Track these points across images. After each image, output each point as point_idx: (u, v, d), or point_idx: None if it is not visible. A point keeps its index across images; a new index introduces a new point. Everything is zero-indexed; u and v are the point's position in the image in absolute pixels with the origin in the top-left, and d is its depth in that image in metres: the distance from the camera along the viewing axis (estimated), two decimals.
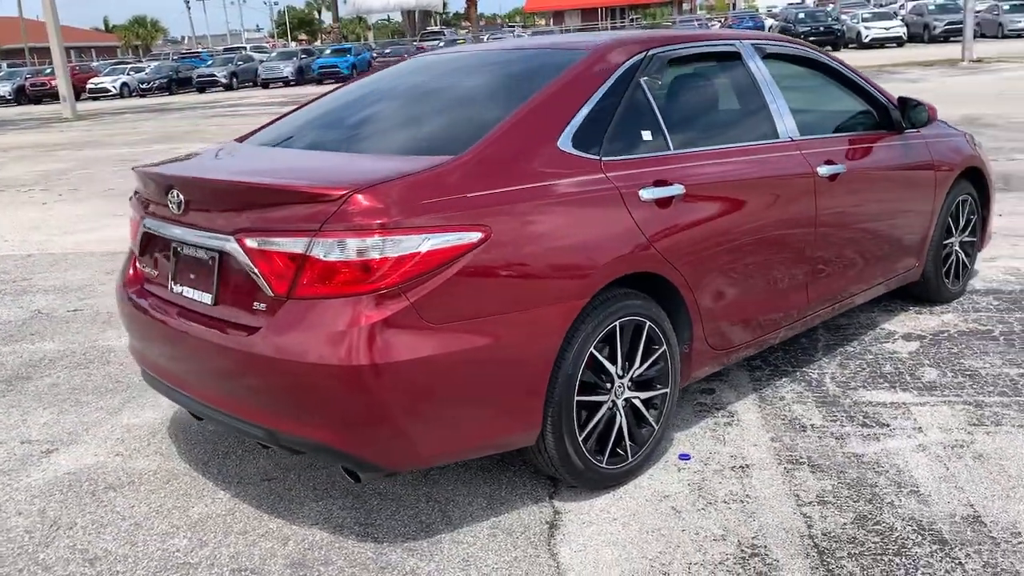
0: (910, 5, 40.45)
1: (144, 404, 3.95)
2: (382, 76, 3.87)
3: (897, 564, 2.52)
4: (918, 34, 36.47)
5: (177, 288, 2.93)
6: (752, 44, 3.71)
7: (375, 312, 2.40)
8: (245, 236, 2.57)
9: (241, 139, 3.63)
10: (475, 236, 2.49)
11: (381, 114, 3.49)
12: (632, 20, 51.81)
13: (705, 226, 3.12)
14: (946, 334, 4.33)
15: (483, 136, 2.74)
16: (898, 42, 35.20)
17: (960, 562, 2.50)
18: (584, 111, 2.94)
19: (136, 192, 3.22)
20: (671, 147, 3.15)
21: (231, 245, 2.61)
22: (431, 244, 2.42)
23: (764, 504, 2.87)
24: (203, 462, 3.38)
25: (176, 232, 2.89)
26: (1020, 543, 2.58)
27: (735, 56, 3.64)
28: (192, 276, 2.86)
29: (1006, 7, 35.38)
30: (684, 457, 3.22)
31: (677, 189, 3.03)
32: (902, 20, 36.60)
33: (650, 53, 3.27)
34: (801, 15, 38.26)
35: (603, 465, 2.91)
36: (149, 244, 3.10)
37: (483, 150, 2.68)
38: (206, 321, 2.76)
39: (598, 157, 2.90)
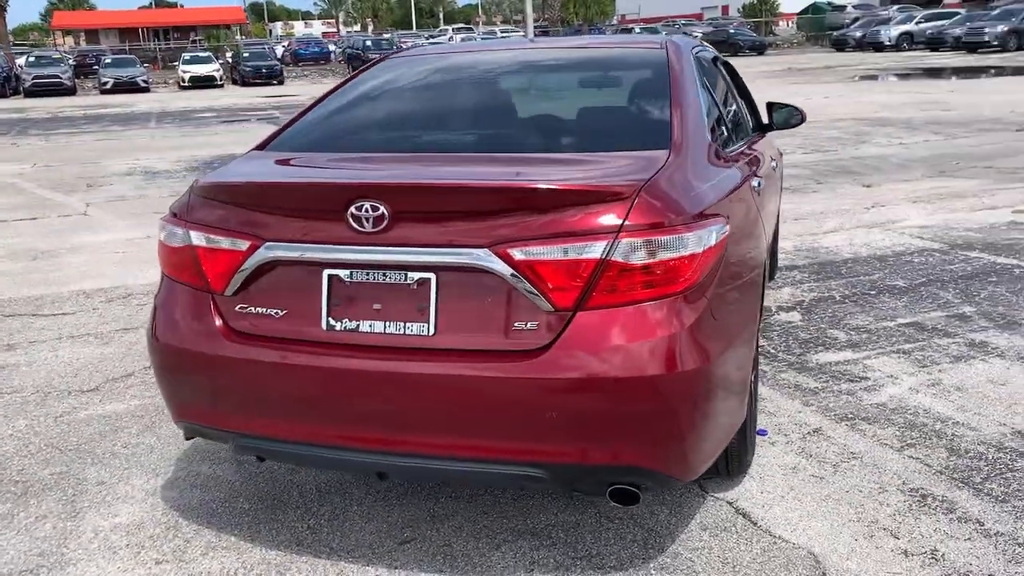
0: (459, 37, 44.50)
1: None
2: (426, 74, 3.55)
3: (1021, 473, 3.02)
4: None
5: (345, 324, 2.39)
6: None
7: (688, 313, 2.26)
8: (510, 247, 2.22)
9: (262, 146, 3.02)
10: (727, 226, 2.46)
11: (497, 112, 3.21)
12: (195, 42, 49.42)
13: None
14: (805, 303, 5.10)
15: (673, 130, 2.68)
16: None
17: None
18: (704, 106, 3.02)
19: (217, 215, 2.53)
20: (736, 140, 3.38)
21: (486, 260, 2.23)
22: (714, 237, 2.35)
23: (873, 456, 3.21)
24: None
25: (348, 255, 2.36)
26: None
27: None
28: (380, 306, 2.36)
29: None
30: (762, 433, 3.43)
31: (758, 181, 3.26)
32: None
33: (695, 53, 3.45)
34: (368, 42, 39.97)
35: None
36: (268, 275, 2.47)
37: (685, 143, 2.63)
38: (423, 356, 2.31)
39: (722, 148, 3.03)
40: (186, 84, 34.61)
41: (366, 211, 2.30)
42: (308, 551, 2.73)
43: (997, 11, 35.41)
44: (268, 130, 17.11)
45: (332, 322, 2.41)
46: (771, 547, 2.66)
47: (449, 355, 2.30)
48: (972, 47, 33.46)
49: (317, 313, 2.42)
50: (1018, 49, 32.52)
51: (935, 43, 36.24)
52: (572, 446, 2.26)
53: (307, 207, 2.43)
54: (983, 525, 2.74)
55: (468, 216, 2.28)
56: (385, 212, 2.29)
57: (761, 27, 51.36)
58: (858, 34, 40.02)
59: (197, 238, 2.56)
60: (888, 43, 38.00)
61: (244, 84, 35.12)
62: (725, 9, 63.84)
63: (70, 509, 3.05)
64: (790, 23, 53.49)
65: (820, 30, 46.92)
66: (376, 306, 2.37)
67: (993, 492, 2.93)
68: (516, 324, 2.26)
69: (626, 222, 2.21)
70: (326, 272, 2.40)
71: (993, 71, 24.98)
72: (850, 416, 3.56)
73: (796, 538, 2.70)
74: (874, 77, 25.30)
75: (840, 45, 40.97)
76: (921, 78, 24.19)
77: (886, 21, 40.10)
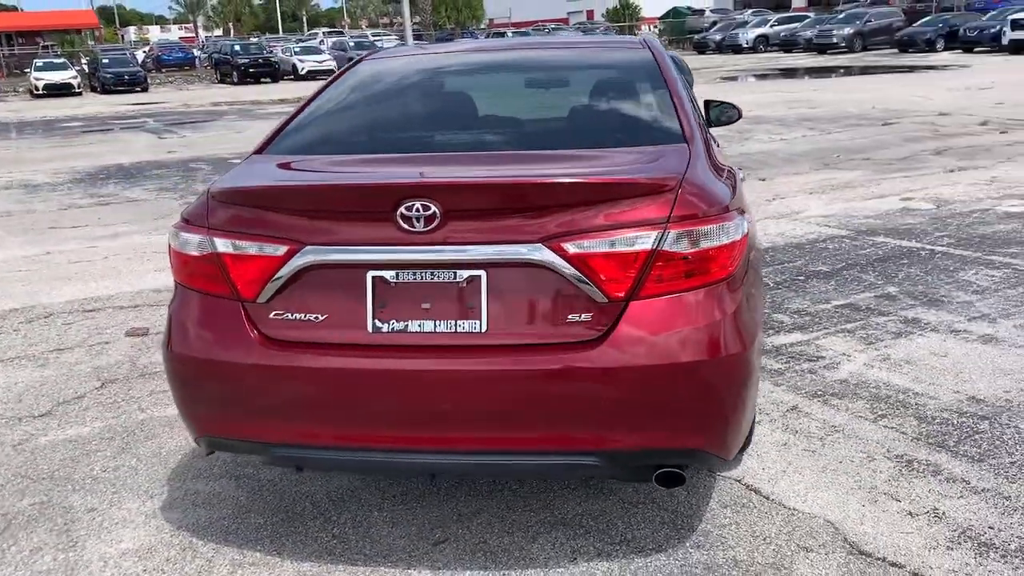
0: (330, 41, 43.76)
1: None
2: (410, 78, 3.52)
3: (987, 434, 3.30)
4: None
5: (392, 325, 2.37)
6: None
7: (729, 300, 2.37)
8: (564, 241, 2.27)
9: (260, 150, 2.94)
10: (748, 216, 2.59)
11: (507, 110, 3.23)
12: (46, 47, 46.50)
13: None
14: None
15: (682, 125, 2.78)
16: (329, 74, 37.90)
17: (1012, 425, 3.39)
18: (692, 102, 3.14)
19: (247, 219, 2.45)
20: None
21: (541, 255, 2.27)
22: (745, 226, 2.46)
23: (853, 429, 3.43)
24: None
25: (395, 256, 2.34)
26: (1008, 403, 3.57)
27: None
28: (428, 306, 2.36)
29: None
30: None
31: (742, 173, 3.42)
32: (329, 54, 39.45)
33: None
34: (237, 47, 38.68)
35: None
36: (306, 280, 2.41)
37: (695, 137, 2.73)
38: (476, 352, 2.32)
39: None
40: (40, 92, 32.60)
41: (417, 211, 2.30)
42: (342, 559, 2.69)
43: (843, 15, 37.81)
44: (146, 139, 16.52)
45: (379, 324, 2.38)
46: (791, 518, 2.81)
47: (503, 350, 2.32)
48: (822, 48, 35.62)
49: (362, 316, 2.39)
50: (863, 50, 34.87)
51: (788, 45, 38.38)
52: (627, 432, 2.33)
53: (353, 209, 2.40)
54: (969, 483, 2.98)
55: (520, 212, 2.31)
56: (436, 211, 2.29)
57: (625, 31, 52.91)
58: (718, 37, 41.85)
59: (223, 245, 2.48)
60: (746, 45, 39.91)
61: (105, 92, 33.36)
62: (590, 14, 65.46)
63: (67, 539, 2.88)
64: (652, 27, 55.34)
65: (681, 34, 48.76)
66: (425, 305, 2.36)
67: (969, 453, 3.18)
68: (569, 316, 2.31)
69: (673, 213, 2.30)
70: (370, 274, 2.38)
71: (842, 70, 26.70)
72: (820, 393, 3.78)
73: (810, 508, 2.86)
74: (734, 78, 26.53)
75: (701, 48, 42.72)
76: (781, 78, 25.57)
77: (743, 24, 42.13)
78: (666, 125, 2.83)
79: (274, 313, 2.46)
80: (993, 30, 30.39)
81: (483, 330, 2.34)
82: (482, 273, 2.33)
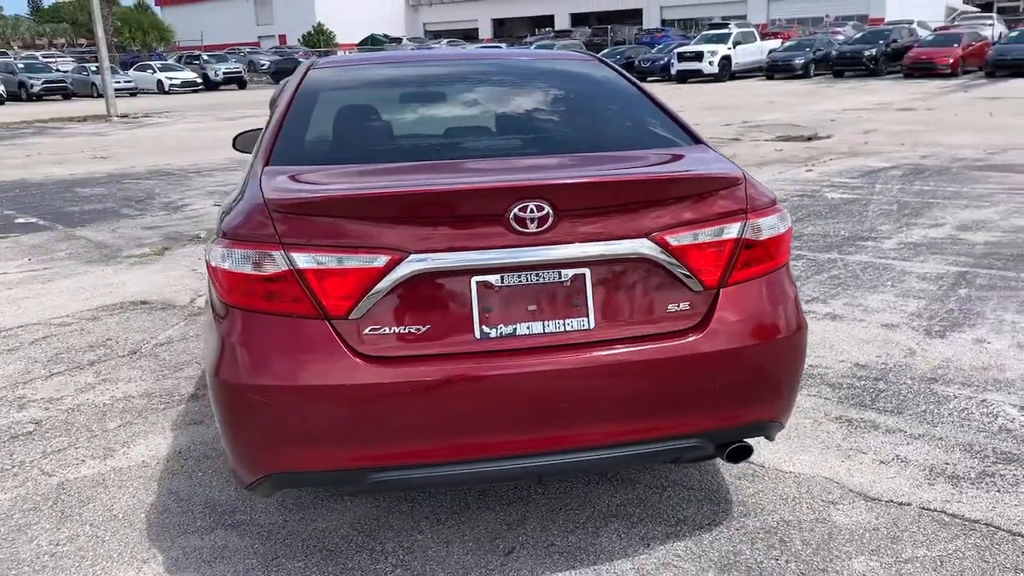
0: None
1: None
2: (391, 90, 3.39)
3: (889, 391, 3.87)
4: (15, 92, 35.59)
5: (500, 329, 2.33)
6: None
7: (788, 282, 2.63)
8: (666, 234, 2.38)
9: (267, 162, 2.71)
10: None
11: (521, 116, 3.19)
12: None
13: None
14: None
15: (679, 128, 3.00)
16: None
17: (901, 382, 4.00)
18: None
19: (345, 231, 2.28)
20: None
21: (646, 249, 2.36)
22: (789, 217, 2.72)
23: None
24: None
25: (502, 259, 2.30)
26: (885, 365, 4.21)
27: None
28: (535, 307, 2.34)
29: (93, 68, 37.06)
30: None
31: None
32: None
33: None
34: None
35: None
36: (404, 291, 2.29)
37: (701, 138, 2.96)
38: (586, 350, 2.36)
39: None
40: None
41: (531, 211, 2.29)
42: None
43: (533, 47, 40.63)
44: None
45: (486, 329, 2.33)
46: (798, 481, 3.12)
47: (611, 345, 2.38)
48: None
49: (467, 323, 2.33)
50: None
51: None
52: (725, 412, 2.48)
53: (463, 213, 2.32)
54: (905, 431, 3.49)
55: (626, 209, 2.39)
56: (549, 212, 2.30)
57: (320, 57, 52.49)
58: None
59: (304, 260, 2.28)
60: None
61: None
62: (282, 38, 64.15)
63: None
64: (348, 53, 55.47)
65: None
66: (531, 307, 2.35)
67: (888, 408, 3.72)
68: (670, 307, 2.43)
69: (748, 205, 2.51)
70: (474, 279, 2.32)
71: None
72: None
73: (804, 470, 3.19)
74: None
75: None
76: None
77: None
78: (675, 129, 3.03)
79: (369, 328, 2.30)
80: (663, 62, 34.38)
81: (591, 327, 2.38)
82: (586, 271, 2.37)
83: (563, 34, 46.42)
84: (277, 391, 2.29)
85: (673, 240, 2.40)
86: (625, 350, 2.38)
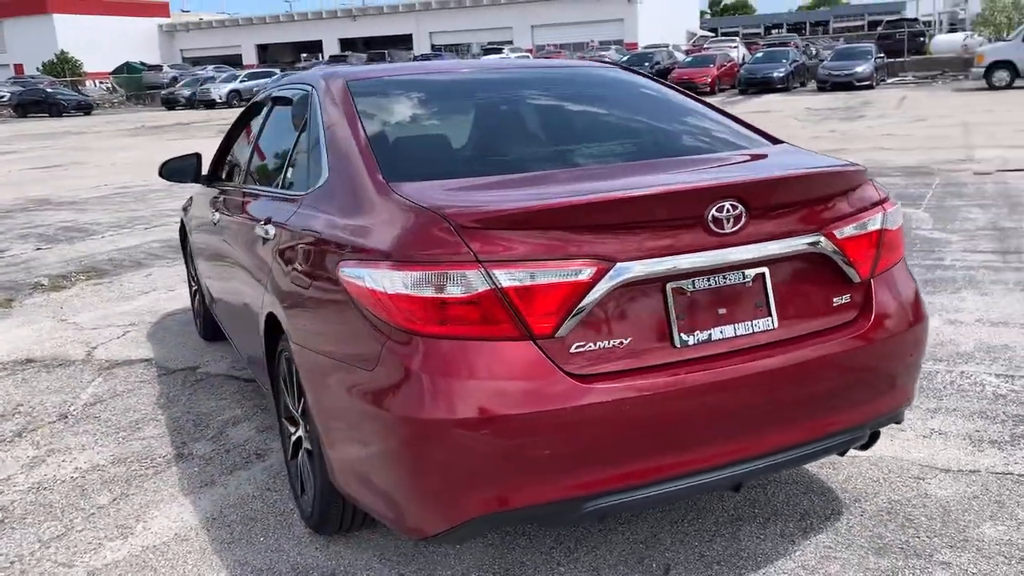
0: None
1: None
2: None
3: None
4: None
5: (697, 336, 2.24)
6: None
7: (908, 270, 2.73)
8: (834, 228, 2.41)
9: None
10: None
11: (599, 123, 3.07)
12: None
13: None
14: None
15: (752, 130, 3.06)
16: None
17: None
18: None
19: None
20: None
21: (820, 244, 2.38)
22: None
23: None
24: None
25: (697, 262, 2.22)
26: None
27: None
28: (724, 310, 2.28)
29: None
30: None
31: None
32: None
33: None
34: None
35: None
36: (609, 300, 2.14)
37: (780, 139, 3.03)
38: (773, 350, 2.32)
39: None
40: None
41: (727, 211, 2.23)
42: None
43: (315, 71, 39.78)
44: None
45: (684, 337, 2.23)
46: (873, 463, 3.23)
47: (793, 343, 2.36)
48: None
49: (664, 331, 2.22)
50: None
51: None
52: (887, 399, 2.54)
53: (665, 217, 2.20)
54: (922, 407, 3.75)
55: (802, 204, 2.38)
56: (742, 211, 2.25)
57: (69, 87, 48.40)
58: (187, 92, 40.76)
59: (506, 278, 2.07)
60: (220, 100, 39.58)
61: None
62: (19, 68, 58.33)
63: None
64: (100, 82, 51.49)
65: (140, 89, 46.34)
66: (721, 311, 2.29)
67: None
68: (835, 300, 2.45)
69: (880, 196, 2.59)
70: (669, 285, 2.22)
71: None
72: None
73: (868, 453, 3.28)
74: None
75: (171, 103, 41.15)
76: None
77: (212, 79, 41.67)
78: (751, 129, 3.07)
79: (575, 346, 2.14)
80: None
81: (774, 326, 2.35)
82: (765, 270, 2.35)
83: (338, 59, 45.80)
84: (488, 423, 2.06)
85: (839, 233, 2.43)
86: (807, 347, 2.37)
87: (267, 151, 3.77)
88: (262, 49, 64.33)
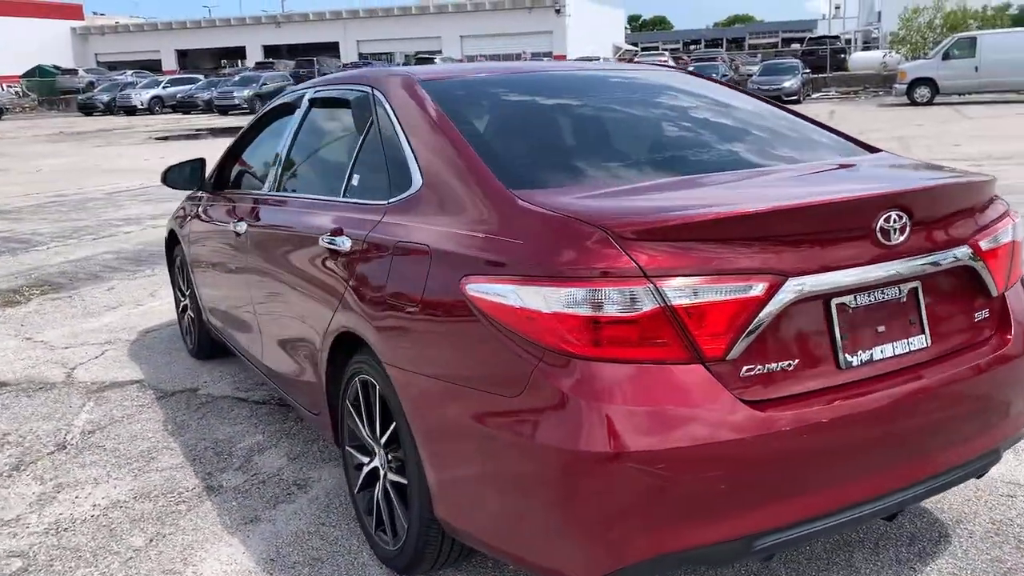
0: None
1: None
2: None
3: None
4: None
5: (859, 356, 2.09)
6: None
7: None
8: (979, 240, 2.29)
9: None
10: None
11: (684, 133, 2.83)
12: None
13: None
14: None
15: (846, 138, 2.94)
16: None
17: None
18: None
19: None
20: None
21: (968, 257, 2.26)
22: None
23: None
24: None
25: (862, 276, 2.06)
26: None
27: None
28: (883, 328, 2.13)
29: None
30: None
31: None
32: None
33: None
34: None
35: None
36: (786, 318, 1.97)
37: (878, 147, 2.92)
38: (927, 369, 2.19)
39: None
40: None
41: (893, 222, 2.08)
42: None
43: (238, 78, 38.82)
44: None
45: (848, 358, 2.08)
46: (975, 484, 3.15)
47: (944, 362, 2.23)
48: (224, 109, 36.04)
49: (828, 352, 2.06)
50: None
51: (187, 106, 37.87)
52: (1018, 416, 2.43)
53: (835, 228, 2.03)
54: None
55: (954, 216, 2.26)
56: (906, 221, 2.11)
57: None
58: (106, 98, 39.24)
59: (676, 295, 1.88)
60: (141, 106, 38.29)
61: None
62: None
63: None
64: (10, 86, 49.10)
65: (53, 93, 44.41)
66: (880, 328, 2.14)
67: None
68: (976, 315, 2.33)
69: (1007, 209, 2.49)
70: (833, 301, 2.06)
71: None
72: None
73: None
74: (165, 138, 25.37)
75: (88, 109, 39.56)
76: (226, 136, 25.24)
77: (132, 85, 40.22)
78: (845, 137, 2.95)
79: (745, 369, 1.95)
80: None
81: (927, 344, 2.22)
82: (918, 284, 2.21)
83: (264, 65, 44.79)
84: (662, 456, 1.85)
85: (983, 245, 2.32)
86: (956, 365, 2.24)
87: (311, 157, 3.49)
88: (182, 55, 62.47)
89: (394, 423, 2.48)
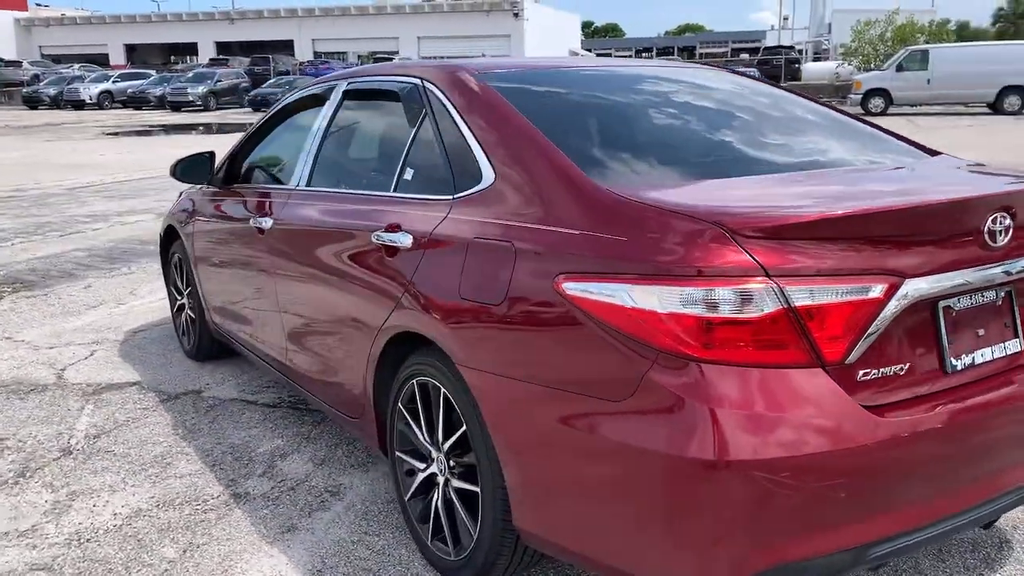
0: None
1: None
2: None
3: None
4: None
5: (963, 360, 2.05)
6: None
7: None
8: None
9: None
10: None
11: (775, 135, 2.79)
12: None
13: None
14: None
15: (898, 138, 2.92)
16: None
17: None
18: None
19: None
20: None
21: None
22: None
23: None
24: None
25: (968, 278, 2.02)
26: None
27: None
28: (983, 331, 2.10)
29: None
30: None
31: None
32: None
33: None
34: None
35: None
36: (900, 321, 1.91)
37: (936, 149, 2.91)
38: (1017, 373, 2.15)
39: None
40: None
41: (999, 223, 2.05)
42: None
43: (192, 74, 38.05)
44: None
45: (954, 362, 2.03)
46: None
47: None
48: (177, 106, 35.30)
49: (936, 355, 2.01)
50: (218, 108, 35.63)
51: (138, 102, 36.99)
52: None
53: (947, 229, 1.99)
54: None
55: None
56: (1010, 223, 2.07)
57: None
58: (52, 91, 38.11)
59: (799, 295, 1.81)
60: (90, 101, 37.29)
61: None
62: None
63: None
64: None
65: None
66: (980, 331, 2.10)
67: None
68: None
69: None
70: (940, 304, 2.02)
71: (215, 127, 26.73)
72: None
73: None
74: (116, 133, 24.72)
75: (34, 103, 38.39)
76: (179, 134, 24.70)
77: (81, 79, 39.14)
78: (898, 137, 2.92)
79: (861, 373, 1.89)
80: None
81: (1021, 347, 2.18)
82: (1011, 288, 2.18)
83: (218, 62, 43.95)
84: (786, 464, 1.78)
85: None
86: None
87: (350, 151, 3.35)
88: (130, 49, 61.03)
89: (463, 428, 2.37)
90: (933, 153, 2.86)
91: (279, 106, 3.93)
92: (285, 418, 3.93)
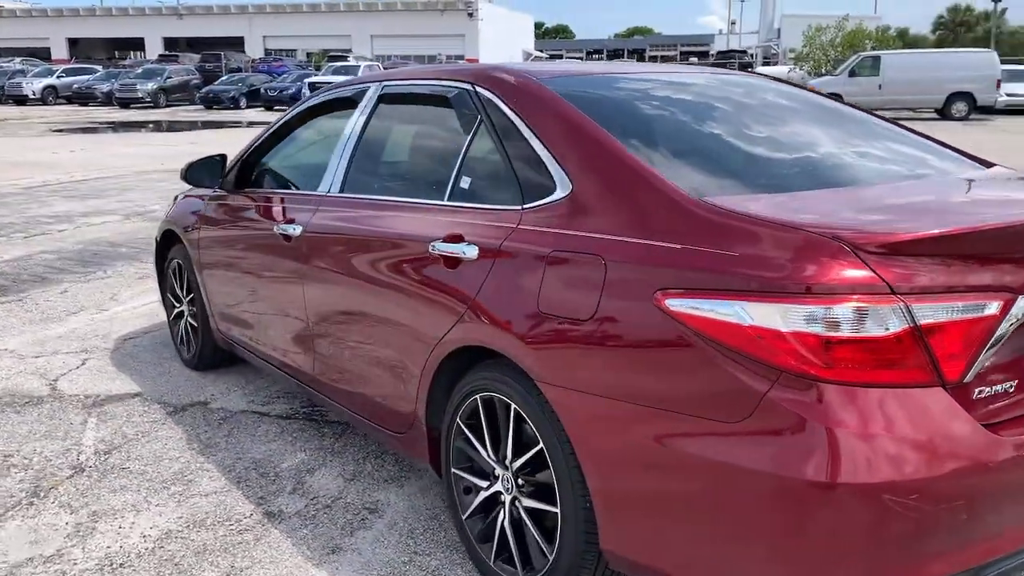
0: None
1: None
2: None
3: None
4: None
5: None
6: None
7: None
8: None
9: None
10: None
11: (843, 146, 2.76)
12: None
13: None
14: None
15: (952, 150, 2.92)
16: None
17: None
18: None
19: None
20: None
21: None
22: None
23: None
24: None
25: None
26: None
27: None
28: None
29: None
30: None
31: None
32: None
33: None
34: None
35: None
36: (1006, 340, 1.88)
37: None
38: None
39: None
40: None
41: None
42: None
43: (141, 70, 37.17)
44: None
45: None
46: None
47: None
48: (125, 103, 34.45)
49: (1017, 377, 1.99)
50: (168, 105, 34.86)
51: (84, 97, 36.02)
52: None
53: None
54: None
55: None
56: None
57: None
58: None
59: (923, 313, 1.77)
60: (33, 96, 36.21)
61: None
62: None
63: None
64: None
65: None
66: None
67: None
68: None
69: None
70: None
71: (166, 125, 26.19)
72: None
73: None
74: (63, 130, 24.00)
75: None
76: (130, 131, 24.07)
77: (23, 73, 37.97)
78: (952, 148, 2.92)
79: (977, 391, 1.86)
80: (292, 91, 33.52)
81: None
82: None
83: (168, 58, 42.97)
84: (915, 487, 1.73)
85: None
86: None
87: (392, 157, 3.23)
88: (73, 43, 59.42)
89: (539, 445, 2.29)
90: (988, 164, 2.86)
91: (298, 110, 3.79)
92: (304, 430, 3.80)
